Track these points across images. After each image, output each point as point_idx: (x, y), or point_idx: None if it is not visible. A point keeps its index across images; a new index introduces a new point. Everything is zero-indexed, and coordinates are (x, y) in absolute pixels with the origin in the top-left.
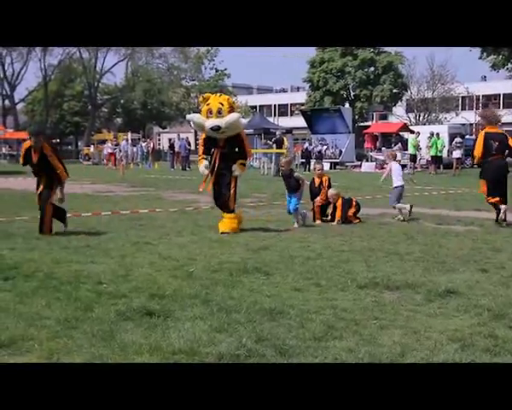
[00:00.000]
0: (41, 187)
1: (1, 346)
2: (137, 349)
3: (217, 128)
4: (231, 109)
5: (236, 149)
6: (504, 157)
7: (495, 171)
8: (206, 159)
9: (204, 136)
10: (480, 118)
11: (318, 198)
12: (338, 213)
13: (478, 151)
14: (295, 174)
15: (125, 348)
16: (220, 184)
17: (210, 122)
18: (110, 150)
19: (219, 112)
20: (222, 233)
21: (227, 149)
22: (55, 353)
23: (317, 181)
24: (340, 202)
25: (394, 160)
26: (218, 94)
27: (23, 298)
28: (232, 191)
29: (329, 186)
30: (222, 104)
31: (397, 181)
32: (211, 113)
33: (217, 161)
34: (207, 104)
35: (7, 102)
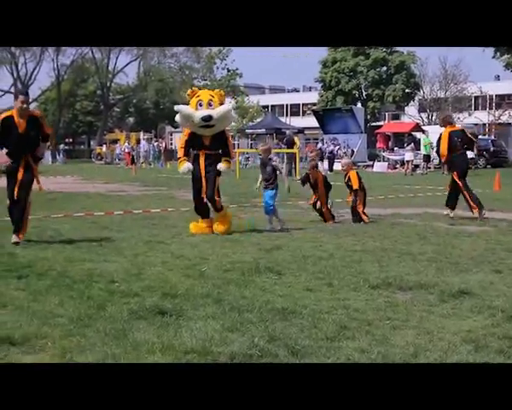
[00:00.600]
0: (20, 170)
1: (14, 344)
2: (150, 348)
3: (208, 118)
4: (221, 103)
5: (220, 151)
6: (464, 151)
7: (463, 162)
8: (187, 161)
9: (187, 135)
10: (441, 122)
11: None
12: (355, 184)
13: (444, 149)
14: (273, 163)
15: (138, 347)
16: (206, 186)
17: (201, 112)
18: (128, 150)
19: (210, 104)
20: (216, 234)
21: (212, 150)
22: (68, 351)
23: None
24: (354, 174)
25: (321, 160)
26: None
27: (36, 296)
28: (216, 190)
29: (326, 186)
30: (213, 96)
31: None
32: (201, 105)
33: (202, 164)
34: (197, 96)
35: None
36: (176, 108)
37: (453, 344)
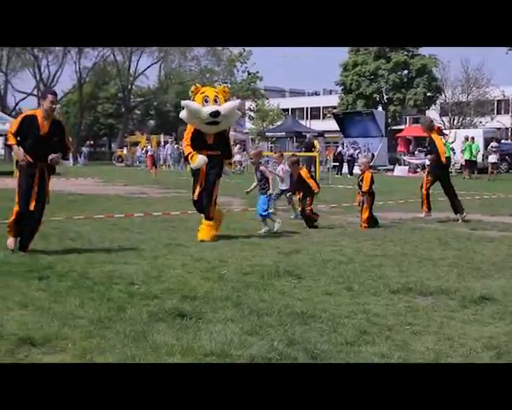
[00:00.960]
0: (36, 181)
1: (35, 344)
2: (169, 350)
3: (216, 114)
4: (226, 100)
5: (220, 152)
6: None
7: (447, 168)
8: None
9: (190, 133)
10: (427, 128)
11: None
12: (365, 186)
13: (442, 152)
14: (261, 168)
15: (157, 349)
16: (204, 188)
17: (208, 108)
18: (150, 153)
19: (215, 100)
20: (201, 241)
21: (215, 150)
22: (88, 352)
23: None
24: (368, 176)
25: (281, 163)
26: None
27: (57, 297)
28: (214, 198)
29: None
30: (217, 93)
31: (282, 185)
32: (207, 101)
33: (203, 167)
34: (202, 93)
35: None
36: (183, 103)
37: (474, 350)
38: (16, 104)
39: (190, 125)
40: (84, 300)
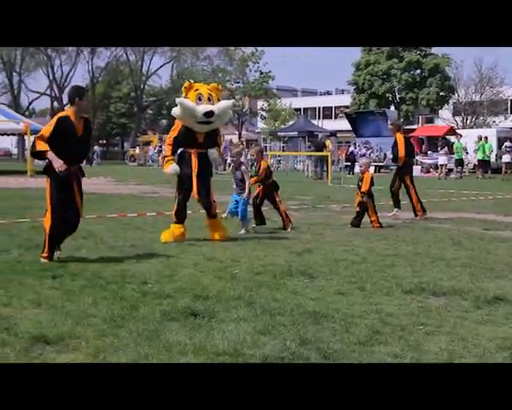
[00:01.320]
0: (75, 187)
1: (49, 343)
2: (182, 349)
3: (210, 114)
4: (219, 99)
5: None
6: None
7: (411, 167)
8: (174, 160)
9: (176, 131)
10: (392, 126)
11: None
12: (364, 186)
13: (402, 152)
14: (242, 167)
15: (170, 348)
16: (199, 188)
17: (203, 107)
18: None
19: (209, 98)
20: (223, 240)
21: (205, 148)
22: (101, 351)
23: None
24: (368, 176)
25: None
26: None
27: (70, 296)
28: (212, 195)
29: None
30: (211, 91)
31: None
32: (200, 99)
33: (195, 165)
34: (195, 90)
35: (55, 103)
36: (177, 100)
37: (488, 351)
38: (30, 104)
39: (179, 122)
40: (97, 299)
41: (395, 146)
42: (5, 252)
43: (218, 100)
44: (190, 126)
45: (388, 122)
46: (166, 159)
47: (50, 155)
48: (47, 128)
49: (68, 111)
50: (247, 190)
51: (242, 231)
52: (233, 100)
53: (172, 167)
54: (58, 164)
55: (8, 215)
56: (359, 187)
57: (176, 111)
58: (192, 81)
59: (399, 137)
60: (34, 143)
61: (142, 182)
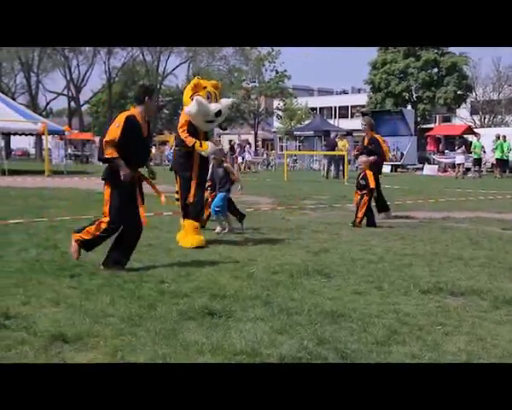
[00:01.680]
0: (138, 191)
1: (68, 341)
2: (199, 349)
3: (219, 114)
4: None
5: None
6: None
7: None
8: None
9: (186, 125)
10: (366, 125)
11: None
12: (371, 181)
13: (387, 150)
14: (225, 164)
15: (188, 348)
16: (196, 189)
17: (214, 106)
18: None
19: (215, 97)
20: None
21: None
22: (119, 350)
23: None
24: (371, 173)
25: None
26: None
27: (88, 295)
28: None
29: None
30: (216, 89)
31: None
32: (208, 97)
33: (196, 165)
34: (204, 88)
35: (72, 103)
36: (196, 98)
37: (507, 352)
38: (47, 104)
39: (185, 119)
40: (115, 298)
41: (379, 145)
42: (24, 251)
43: (220, 98)
44: (197, 125)
45: (362, 122)
46: (196, 143)
47: (121, 163)
48: (114, 130)
49: (133, 110)
50: (233, 181)
51: (218, 229)
52: (231, 99)
53: (211, 145)
54: (126, 174)
55: (26, 215)
56: (358, 186)
57: (192, 110)
58: (199, 77)
59: (379, 137)
60: (102, 147)
61: (158, 181)
